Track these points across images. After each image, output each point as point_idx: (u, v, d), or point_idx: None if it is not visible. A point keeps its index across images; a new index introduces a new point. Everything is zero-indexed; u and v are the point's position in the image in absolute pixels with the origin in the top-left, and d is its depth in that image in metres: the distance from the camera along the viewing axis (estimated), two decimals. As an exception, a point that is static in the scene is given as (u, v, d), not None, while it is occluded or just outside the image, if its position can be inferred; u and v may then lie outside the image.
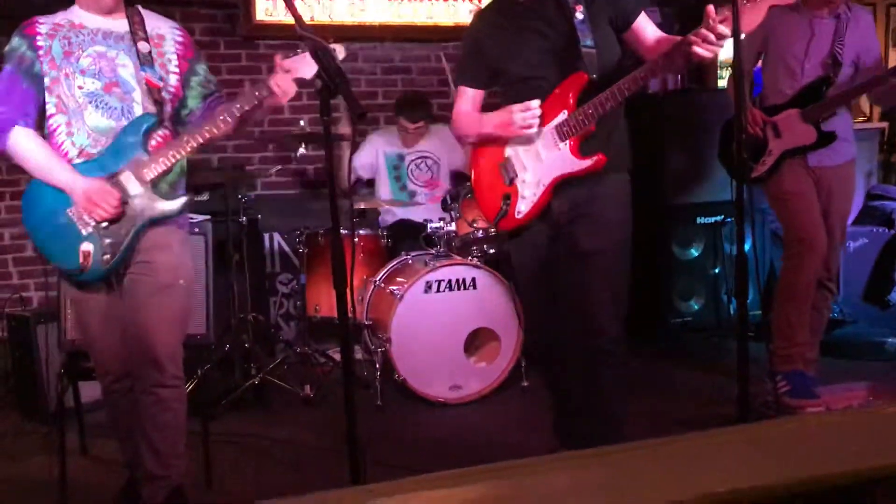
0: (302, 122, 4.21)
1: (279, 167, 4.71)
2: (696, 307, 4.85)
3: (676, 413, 3.57)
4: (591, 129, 2.58)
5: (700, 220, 4.78)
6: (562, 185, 2.66)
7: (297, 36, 2.24)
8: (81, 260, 2.46)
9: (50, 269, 4.58)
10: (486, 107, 2.87)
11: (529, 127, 2.61)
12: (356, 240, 4.03)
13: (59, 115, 2.49)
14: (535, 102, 2.61)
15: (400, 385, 3.81)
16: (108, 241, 2.48)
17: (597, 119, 2.56)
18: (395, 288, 3.82)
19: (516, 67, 2.70)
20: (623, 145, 2.73)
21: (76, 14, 2.56)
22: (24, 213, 2.53)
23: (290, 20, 2.34)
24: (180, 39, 2.67)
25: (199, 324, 3.90)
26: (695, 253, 4.83)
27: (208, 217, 3.98)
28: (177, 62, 2.64)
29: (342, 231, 2.14)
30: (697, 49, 2.32)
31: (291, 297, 4.81)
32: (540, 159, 2.67)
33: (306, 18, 2.26)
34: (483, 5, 3.15)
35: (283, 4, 2.21)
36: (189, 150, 2.51)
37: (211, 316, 3.97)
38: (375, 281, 4.03)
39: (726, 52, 5.33)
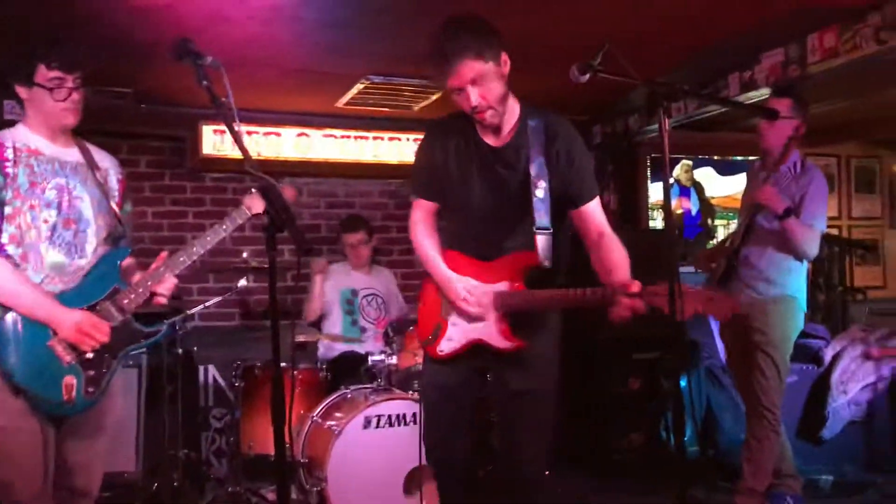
0: (245, 255, 4.21)
1: (219, 298, 4.66)
2: (634, 443, 4.85)
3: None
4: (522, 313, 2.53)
5: (636, 355, 4.85)
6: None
7: (242, 170, 2.29)
8: (65, 393, 2.37)
9: None
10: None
11: (463, 311, 2.58)
12: (295, 373, 3.97)
13: (13, 245, 2.38)
14: (473, 298, 2.56)
15: (336, 526, 3.66)
16: (91, 373, 2.43)
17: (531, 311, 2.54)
18: (332, 423, 3.73)
19: (468, 208, 2.60)
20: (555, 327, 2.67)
21: (27, 137, 2.47)
22: None
23: (237, 154, 2.40)
24: (120, 178, 2.69)
25: (127, 460, 3.76)
26: (631, 388, 4.88)
27: (143, 349, 3.89)
28: (117, 199, 2.64)
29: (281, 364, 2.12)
30: (618, 309, 2.32)
31: (224, 432, 4.66)
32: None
33: (254, 154, 2.32)
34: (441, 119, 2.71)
35: (231, 140, 2.26)
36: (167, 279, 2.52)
37: (140, 452, 3.82)
38: (313, 416, 3.93)
39: (656, 194, 5.63)
